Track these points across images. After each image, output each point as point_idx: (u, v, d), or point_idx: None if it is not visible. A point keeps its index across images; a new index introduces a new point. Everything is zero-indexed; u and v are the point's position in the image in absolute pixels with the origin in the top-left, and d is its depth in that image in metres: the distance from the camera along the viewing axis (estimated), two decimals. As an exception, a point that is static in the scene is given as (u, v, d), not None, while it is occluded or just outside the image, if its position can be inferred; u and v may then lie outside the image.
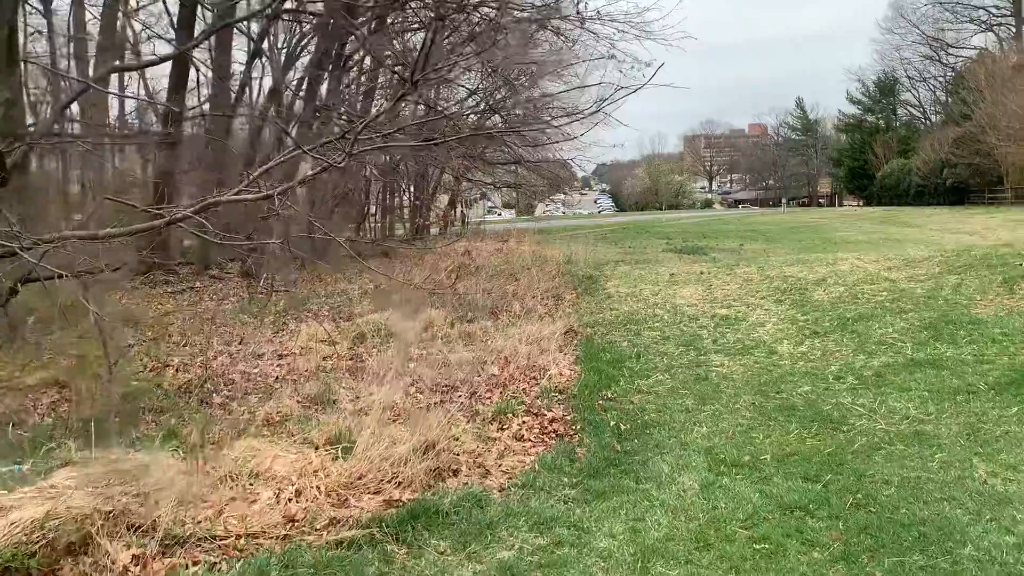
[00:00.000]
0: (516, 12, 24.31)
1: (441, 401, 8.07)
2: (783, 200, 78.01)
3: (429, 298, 12.60)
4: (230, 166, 17.46)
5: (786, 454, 6.05)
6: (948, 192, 48.95)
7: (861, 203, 67.28)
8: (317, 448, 6.29)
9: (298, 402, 8.31)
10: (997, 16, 61.84)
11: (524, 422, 7.18)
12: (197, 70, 21.26)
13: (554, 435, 6.88)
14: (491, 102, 37.18)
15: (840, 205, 76.10)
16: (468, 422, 7.25)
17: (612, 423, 7.02)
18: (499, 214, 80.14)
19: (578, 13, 24.58)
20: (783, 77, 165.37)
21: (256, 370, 10.25)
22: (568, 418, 7.26)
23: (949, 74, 65.60)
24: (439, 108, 32.43)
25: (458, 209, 51.68)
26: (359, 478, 5.18)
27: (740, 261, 16.30)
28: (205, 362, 10.82)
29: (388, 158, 35.31)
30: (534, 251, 24.94)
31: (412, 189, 40.08)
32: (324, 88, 24.63)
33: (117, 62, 18.48)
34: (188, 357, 10.91)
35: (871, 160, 63.43)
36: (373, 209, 38.65)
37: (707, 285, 13.51)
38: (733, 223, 42.78)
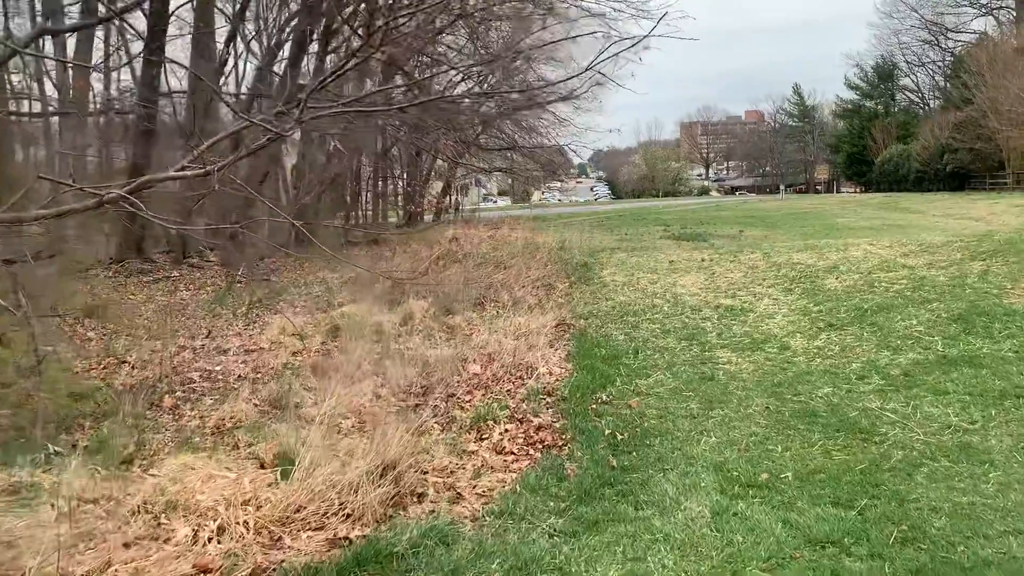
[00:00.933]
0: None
1: (416, 405, 7.13)
2: (781, 187, 76.93)
3: (410, 288, 11.64)
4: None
5: (810, 471, 5.11)
6: (948, 178, 47.94)
7: (860, 189, 66.28)
8: (264, 465, 5.35)
9: (256, 406, 7.37)
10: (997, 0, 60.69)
11: (507, 430, 6.23)
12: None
13: (541, 446, 5.94)
14: (483, 85, 36.24)
15: (837, 191, 75.13)
16: (442, 431, 6.31)
17: (607, 431, 6.08)
18: (494, 201, 79.10)
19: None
20: (780, 64, 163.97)
21: (219, 368, 9.31)
22: (557, 425, 6.32)
23: (948, 59, 64.52)
24: (427, 86, 31.42)
25: (452, 196, 50.77)
26: (298, 510, 4.23)
27: (743, 247, 15.34)
28: (165, 358, 9.89)
29: (382, 142, 34.35)
30: (526, 238, 23.98)
31: (404, 175, 39.08)
32: (311, 69, 23.62)
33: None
34: (148, 352, 9.96)
35: (870, 146, 62.33)
36: (367, 195, 37.73)
37: (709, 273, 12.56)
38: (731, 209, 41.81)
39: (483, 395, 7.16)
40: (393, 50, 8.24)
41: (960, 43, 63.29)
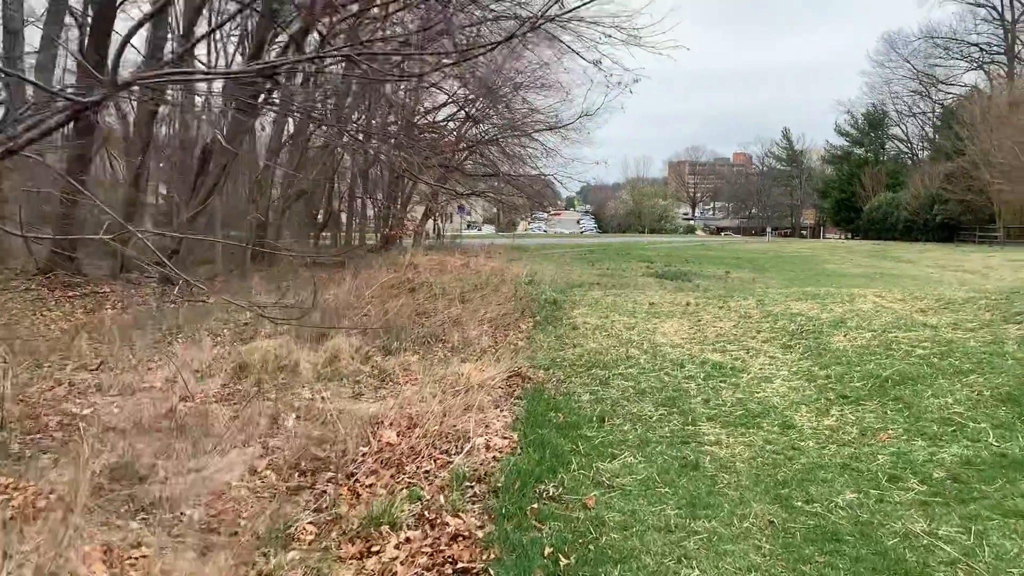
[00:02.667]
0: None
1: (297, 488, 5.26)
2: (767, 229, 75.79)
3: (340, 321, 9.80)
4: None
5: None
6: (938, 228, 46.72)
7: (847, 235, 65.06)
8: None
9: (94, 474, 5.48)
10: (989, 54, 60.05)
11: (408, 541, 4.37)
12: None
13: (452, 569, 4.09)
14: (469, 109, 34.66)
15: (823, 237, 73.98)
16: (315, 537, 4.45)
17: (548, 549, 4.24)
18: (479, 229, 77.51)
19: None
20: (768, 108, 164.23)
21: (88, 412, 7.41)
22: (481, 535, 4.46)
23: (938, 110, 63.80)
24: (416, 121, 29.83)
25: (434, 221, 49.02)
26: None
27: (732, 292, 13.57)
28: (36, 394, 8.08)
29: (362, 159, 32.60)
30: (499, 268, 22.20)
31: (380, 197, 37.30)
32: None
33: None
34: (11, 385, 8.03)
35: (858, 192, 61.21)
36: (343, 215, 35.92)
37: (695, 320, 10.77)
38: (717, 249, 40.30)
39: (392, 477, 5.30)
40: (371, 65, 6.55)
41: (950, 95, 62.69)
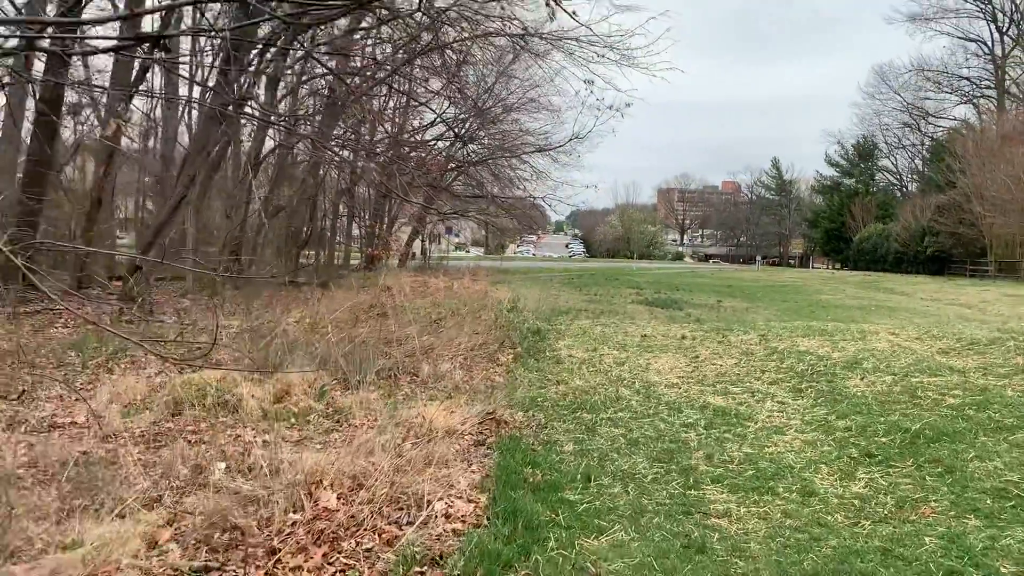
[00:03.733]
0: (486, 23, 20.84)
1: (203, 569, 4.13)
2: (757, 257, 75.22)
3: (292, 353, 8.70)
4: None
5: None
6: (928, 261, 46.03)
7: (836, 266, 64.37)
8: None
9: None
10: (979, 88, 59.84)
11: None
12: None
13: None
14: (458, 128, 33.73)
15: (811, 266, 73.37)
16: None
17: None
18: (467, 251, 76.52)
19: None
20: (758, 137, 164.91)
21: (-14, 452, 6.26)
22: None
23: (928, 142, 63.51)
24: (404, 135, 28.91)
25: (422, 242, 47.97)
26: None
27: (731, 324, 12.54)
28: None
29: (347, 177, 31.58)
30: (482, 290, 21.14)
31: (365, 216, 36.23)
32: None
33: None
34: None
35: (848, 223, 60.65)
36: (328, 233, 34.76)
37: (692, 355, 9.71)
38: (707, 277, 39.42)
39: (325, 556, 4.19)
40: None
41: (940, 128, 62.42)
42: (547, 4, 14.78)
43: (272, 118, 17.89)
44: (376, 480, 4.98)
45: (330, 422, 7.07)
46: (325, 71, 20.88)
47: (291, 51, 19.30)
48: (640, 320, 14.21)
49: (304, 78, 21.80)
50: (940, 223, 43.92)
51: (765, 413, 7.27)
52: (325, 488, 4.98)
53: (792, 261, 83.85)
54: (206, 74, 21.40)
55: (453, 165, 36.85)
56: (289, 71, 21.35)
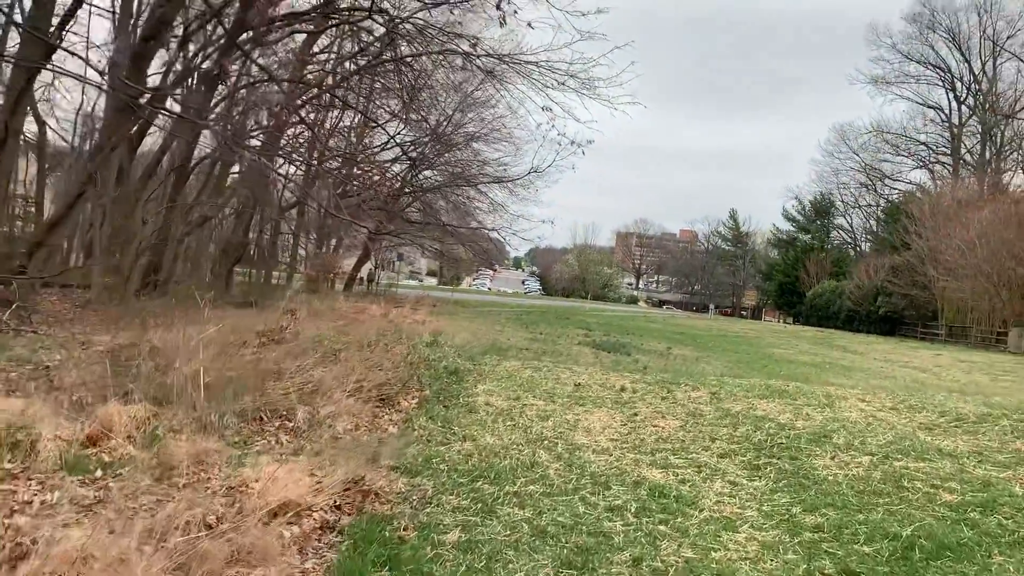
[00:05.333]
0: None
1: None
2: (711, 306, 74.64)
3: (140, 377, 6.90)
4: None
5: None
6: (880, 320, 45.41)
7: (789, 319, 63.75)
8: None
9: None
10: (936, 154, 60.20)
11: None
12: None
13: None
14: (414, 154, 32.11)
15: (763, 318, 72.88)
16: None
17: None
18: (421, 280, 74.62)
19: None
20: (718, 188, 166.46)
21: None
22: None
23: (883, 203, 63.66)
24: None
25: (373, 267, 46.19)
26: None
27: (678, 376, 10.96)
28: None
29: (287, 193, 29.82)
30: (419, 320, 19.43)
31: (313, 237, 34.35)
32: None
33: None
34: None
35: (802, 277, 60.18)
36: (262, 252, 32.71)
37: (630, 412, 8.08)
38: (659, 322, 38.14)
39: None
40: None
41: (896, 191, 62.64)
42: (497, 7, 13.36)
43: (203, 121, 16.10)
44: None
45: (149, 480, 5.27)
46: (265, 77, 19.12)
47: (231, 52, 17.59)
48: (582, 363, 12.62)
49: (242, 83, 20.03)
50: (894, 284, 43.36)
51: (713, 497, 5.65)
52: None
53: (744, 312, 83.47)
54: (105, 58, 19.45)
55: (409, 190, 35.31)
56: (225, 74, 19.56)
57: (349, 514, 4.89)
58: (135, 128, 15.49)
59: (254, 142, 18.97)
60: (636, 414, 7.97)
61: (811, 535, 4.95)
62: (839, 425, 7.52)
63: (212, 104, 20.08)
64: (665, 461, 6.46)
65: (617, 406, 8.33)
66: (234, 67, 19.67)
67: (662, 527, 5.03)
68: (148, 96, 13.75)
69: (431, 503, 5.21)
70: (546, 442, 6.87)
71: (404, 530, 4.67)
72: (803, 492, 5.73)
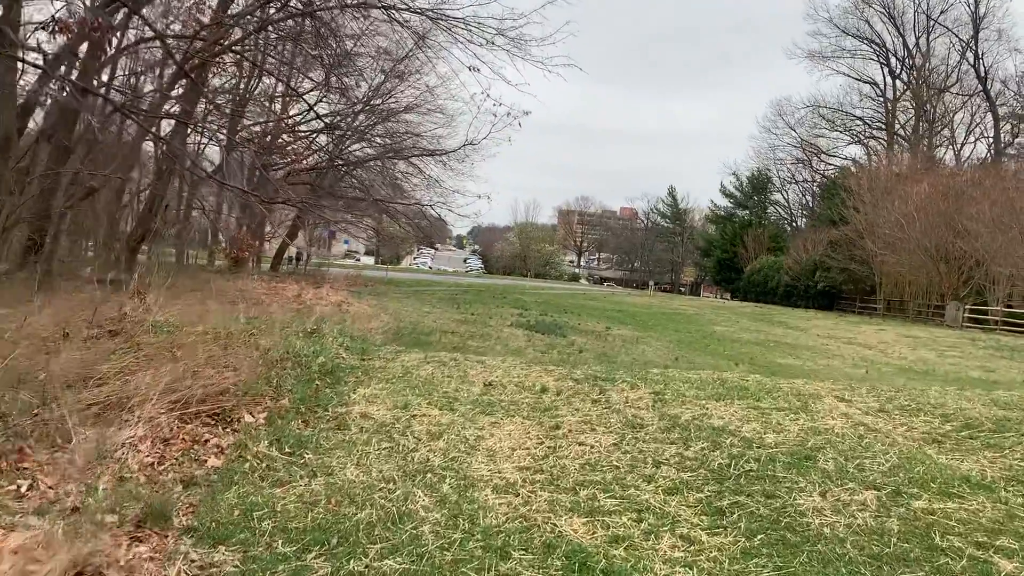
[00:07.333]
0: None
1: None
2: (650, 283, 73.67)
3: None
4: None
5: None
6: (818, 295, 44.58)
7: (727, 295, 62.92)
8: None
9: None
10: (871, 129, 59.74)
11: None
12: None
13: None
14: (335, 124, 29.56)
15: (701, 294, 72.19)
16: None
17: None
18: (358, 259, 71.77)
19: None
20: (656, 167, 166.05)
21: None
22: None
23: (819, 178, 63.19)
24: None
25: (307, 243, 43.61)
26: None
27: (616, 370, 9.00)
28: None
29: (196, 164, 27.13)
30: (336, 303, 17.23)
31: (234, 215, 31.66)
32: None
33: None
34: None
35: (740, 253, 59.31)
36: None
37: (550, 425, 6.11)
38: (599, 300, 36.42)
39: None
40: None
41: (831, 166, 62.16)
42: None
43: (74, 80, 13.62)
44: None
45: None
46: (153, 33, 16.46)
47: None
48: (502, 354, 10.66)
49: (126, 38, 17.38)
50: (832, 258, 42.47)
51: (661, 568, 3.71)
52: None
53: (683, 288, 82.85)
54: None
55: (340, 163, 32.85)
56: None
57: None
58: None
59: (157, 108, 16.43)
60: (558, 426, 5.99)
61: (814, 646, 3.06)
62: (822, 440, 5.64)
63: (99, 64, 17.44)
64: (591, 504, 4.49)
65: (535, 414, 6.34)
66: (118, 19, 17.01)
67: (581, 639, 3.07)
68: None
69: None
70: (429, 475, 4.86)
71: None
72: (791, 557, 3.82)
